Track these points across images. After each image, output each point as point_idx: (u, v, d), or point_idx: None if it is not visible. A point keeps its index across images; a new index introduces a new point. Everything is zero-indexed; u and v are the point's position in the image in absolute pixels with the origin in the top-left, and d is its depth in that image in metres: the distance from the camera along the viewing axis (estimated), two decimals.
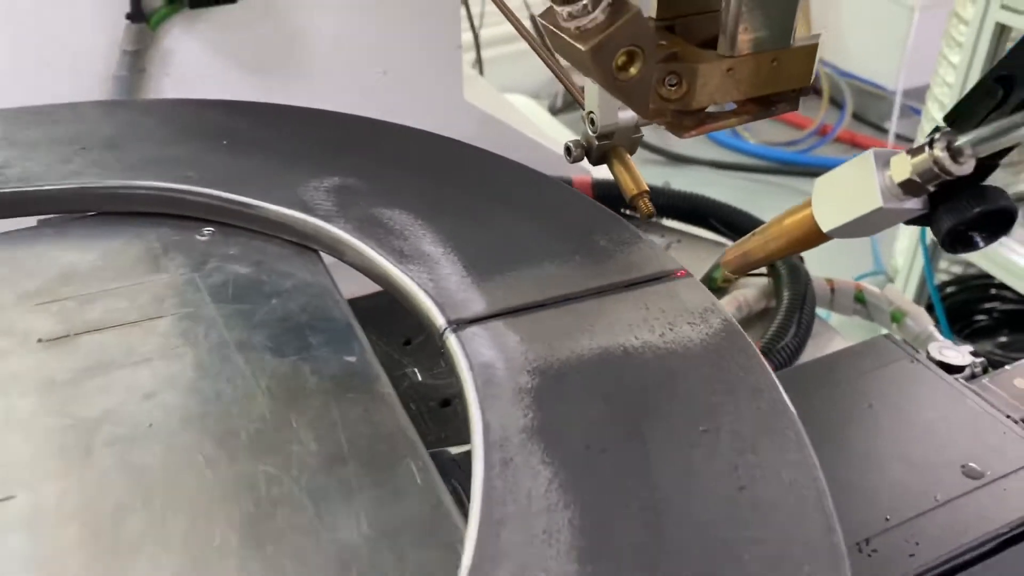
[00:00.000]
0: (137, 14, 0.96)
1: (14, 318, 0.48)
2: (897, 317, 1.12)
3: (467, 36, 1.54)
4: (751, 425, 0.39)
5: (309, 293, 0.50)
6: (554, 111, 3.27)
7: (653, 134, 3.58)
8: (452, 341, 0.44)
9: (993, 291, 2.37)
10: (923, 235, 2.21)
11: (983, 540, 0.63)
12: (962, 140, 0.34)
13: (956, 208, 0.36)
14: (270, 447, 0.40)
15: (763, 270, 1.13)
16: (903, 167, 0.36)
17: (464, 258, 0.49)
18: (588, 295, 0.46)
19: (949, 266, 2.47)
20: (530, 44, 0.60)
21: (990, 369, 0.82)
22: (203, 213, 0.56)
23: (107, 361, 0.45)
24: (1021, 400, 0.77)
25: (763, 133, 3.61)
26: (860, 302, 1.16)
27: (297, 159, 0.59)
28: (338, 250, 0.52)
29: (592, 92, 0.53)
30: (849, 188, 0.38)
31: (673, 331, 0.44)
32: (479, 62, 1.95)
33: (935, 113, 2.22)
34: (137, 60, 0.99)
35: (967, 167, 0.34)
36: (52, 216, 0.57)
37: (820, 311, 1.15)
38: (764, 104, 0.44)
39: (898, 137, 3.11)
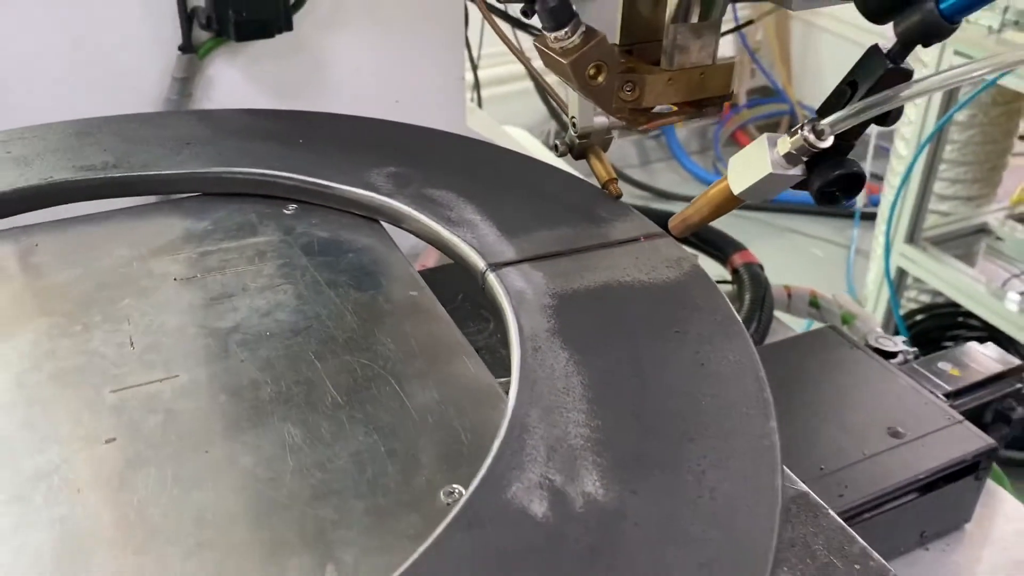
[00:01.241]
0: (187, 46, 1.11)
1: (152, 266, 0.63)
2: (847, 319, 1.28)
3: (468, 75, 1.70)
4: (710, 328, 0.54)
5: (378, 251, 0.65)
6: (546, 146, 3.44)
7: (639, 173, 3.77)
8: (491, 278, 0.59)
9: (959, 319, 2.53)
10: (887, 268, 2.39)
11: (901, 486, 0.78)
12: (822, 123, 0.49)
13: (822, 172, 0.51)
14: (360, 347, 0.55)
15: (727, 277, 1.29)
16: (785, 144, 0.52)
17: (496, 223, 0.64)
18: (592, 248, 0.62)
19: (918, 295, 2.64)
20: (528, 69, 0.76)
21: (920, 357, 0.98)
22: (288, 193, 0.71)
23: (229, 293, 0.60)
24: (942, 379, 0.93)
25: None
26: (814, 306, 1.33)
27: (357, 153, 0.74)
28: (399, 220, 0.67)
29: (573, 102, 0.69)
30: (751, 162, 0.54)
31: (655, 271, 0.59)
32: (478, 97, 2.13)
33: (901, 150, 2.41)
34: (185, 86, 1.14)
35: (827, 143, 0.49)
36: (169, 195, 0.72)
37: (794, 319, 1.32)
38: (697, 106, 0.60)
39: (872, 176, 3.31)
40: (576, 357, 0.51)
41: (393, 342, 0.56)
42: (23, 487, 0.45)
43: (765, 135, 0.54)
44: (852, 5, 0.50)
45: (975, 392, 0.93)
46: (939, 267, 2.27)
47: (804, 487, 0.64)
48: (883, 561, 0.60)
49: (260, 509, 0.44)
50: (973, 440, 0.83)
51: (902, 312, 2.51)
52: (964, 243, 2.44)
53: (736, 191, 0.55)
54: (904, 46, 0.48)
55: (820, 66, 3.82)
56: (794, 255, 3.37)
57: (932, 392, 0.90)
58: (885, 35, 0.54)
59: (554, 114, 3.45)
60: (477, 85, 2.09)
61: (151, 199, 0.72)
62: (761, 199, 0.56)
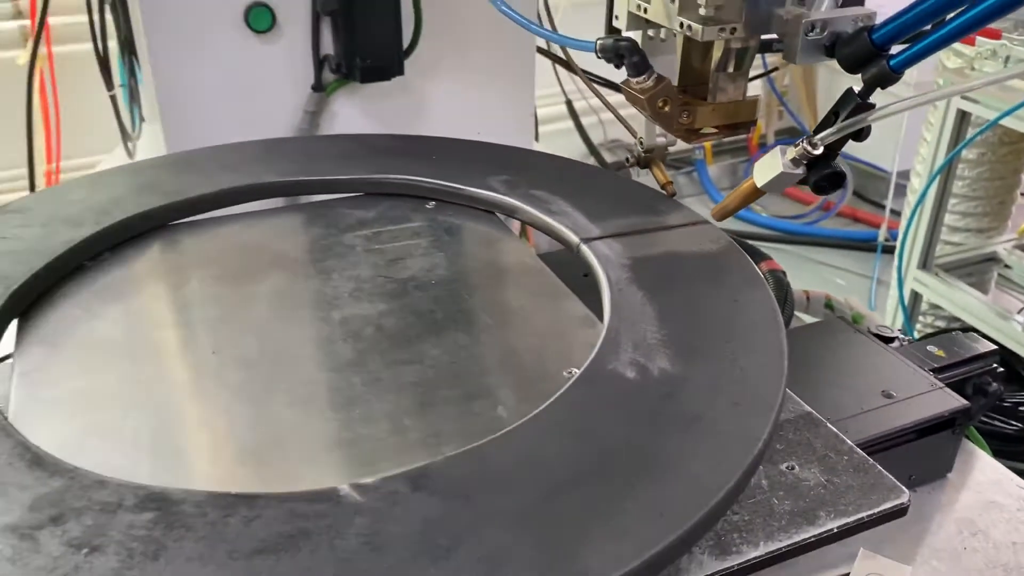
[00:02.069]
0: (318, 86, 1.39)
1: (343, 239, 0.89)
2: (857, 319, 1.52)
3: None
4: (740, 281, 0.79)
5: (497, 232, 0.91)
6: None
7: None
8: (584, 248, 0.84)
9: None
10: (900, 292, 2.61)
11: (890, 433, 1.00)
12: (815, 138, 0.74)
13: (816, 171, 0.76)
14: (495, 290, 0.81)
15: None
16: (791, 152, 0.77)
17: (584, 212, 0.90)
18: (654, 229, 0.87)
19: (933, 320, 2.85)
20: (601, 99, 1.01)
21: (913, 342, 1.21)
22: (428, 193, 0.97)
23: (401, 256, 0.86)
24: (930, 358, 1.15)
25: (773, 207, 4.05)
26: (829, 307, 1.57)
27: (475, 166, 1.00)
28: (512, 211, 0.93)
29: (640, 126, 0.94)
30: (768, 164, 0.78)
31: (700, 246, 0.84)
32: (536, 132, 2.40)
33: (916, 185, 2.64)
34: (315, 119, 1.42)
35: (819, 151, 0.74)
36: (341, 194, 0.98)
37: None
38: (732, 128, 0.85)
39: (892, 212, 3.53)
40: (647, 295, 0.76)
41: (518, 288, 0.81)
42: (293, 367, 0.71)
43: (779, 146, 0.79)
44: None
45: (957, 369, 1.15)
46: (951, 292, 2.48)
47: (808, 408, 0.88)
48: (864, 455, 0.83)
49: (448, 378, 0.69)
50: (951, 401, 1.05)
51: (918, 336, 2.72)
52: (976, 270, 2.65)
53: (759, 184, 0.80)
54: (868, 88, 0.73)
55: None
56: (821, 284, 3.59)
57: (920, 367, 1.12)
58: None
59: (592, 149, 3.74)
60: (536, 122, 2.36)
61: (328, 196, 0.99)
62: (776, 190, 0.81)
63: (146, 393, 0.69)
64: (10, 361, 0.73)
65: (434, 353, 0.72)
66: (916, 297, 2.63)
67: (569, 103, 3.56)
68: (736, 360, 0.68)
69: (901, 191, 3.64)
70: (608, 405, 0.64)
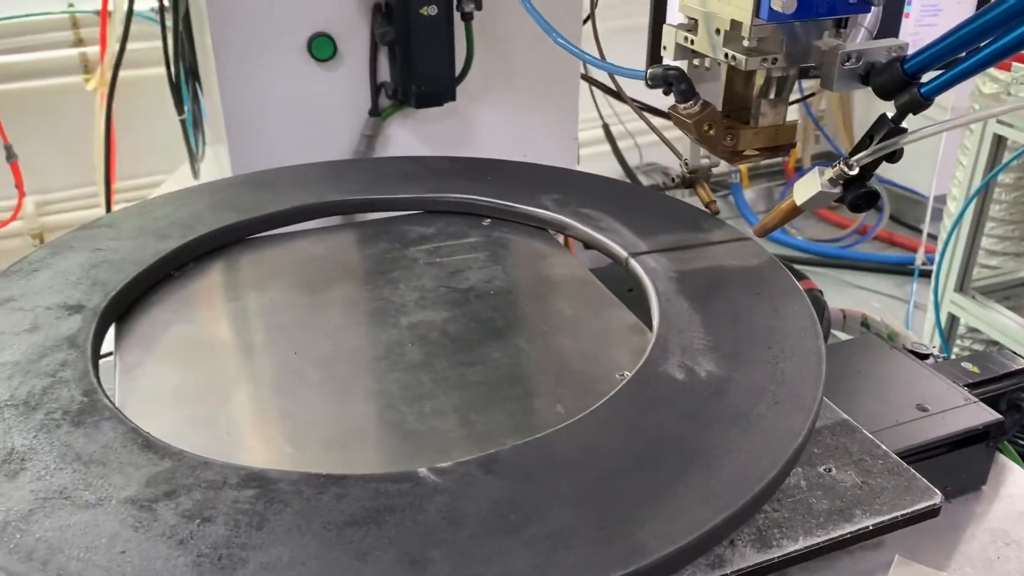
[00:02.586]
0: (375, 111, 1.47)
1: (406, 253, 0.96)
2: (892, 336, 1.55)
3: None
4: (780, 292, 0.84)
5: (550, 248, 0.97)
6: None
7: None
8: (633, 262, 0.90)
9: None
10: (937, 318, 2.62)
11: (924, 445, 1.02)
12: (851, 160, 0.80)
13: (852, 190, 0.81)
14: (549, 300, 0.87)
15: None
16: (828, 173, 0.82)
17: (631, 228, 0.96)
18: (698, 245, 0.93)
19: (971, 343, 2.86)
20: (648, 124, 1.07)
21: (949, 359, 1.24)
22: (484, 211, 1.04)
23: (462, 269, 0.93)
24: (964, 374, 1.19)
25: (810, 231, 4.08)
26: (865, 326, 1.60)
27: (527, 185, 1.07)
28: (564, 228, 0.99)
29: (685, 148, 1.00)
30: (807, 184, 0.84)
31: (743, 260, 0.90)
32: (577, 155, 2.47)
33: (953, 209, 2.67)
34: (371, 142, 1.49)
35: (855, 172, 0.80)
36: (402, 211, 1.05)
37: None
38: (772, 151, 0.91)
39: (929, 236, 3.54)
40: (693, 305, 0.82)
41: (570, 298, 0.87)
42: (367, 367, 0.77)
43: (817, 167, 0.85)
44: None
45: (991, 385, 1.18)
46: (988, 314, 2.50)
47: (845, 415, 0.93)
48: (898, 459, 0.87)
49: (509, 378, 0.76)
50: (984, 415, 1.08)
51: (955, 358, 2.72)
52: (1013, 293, 2.66)
53: (798, 203, 0.86)
54: (900, 114, 0.79)
55: None
56: (857, 307, 3.60)
57: (954, 383, 1.16)
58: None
59: (628, 172, 3.81)
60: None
61: (390, 214, 1.06)
62: (813, 208, 0.86)
63: (236, 387, 0.76)
64: (111, 359, 0.80)
65: (496, 356, 0.78)
66: (953, 320, 2.64)
67: (606, 127, 3.63)
68: (777, 364, 0.74)
69: (938, 215, 3.64)
70: (659, 403, 0.69)
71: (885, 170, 3.47)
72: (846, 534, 0.78)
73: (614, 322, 0.84)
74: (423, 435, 0.69)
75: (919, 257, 3.52)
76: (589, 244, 0.97)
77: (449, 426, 0.70)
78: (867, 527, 0.79)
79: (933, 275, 2.64)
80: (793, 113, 4.17)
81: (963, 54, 0.75)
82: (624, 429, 0.66)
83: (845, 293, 3.75)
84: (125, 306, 0.85)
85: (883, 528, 0.80)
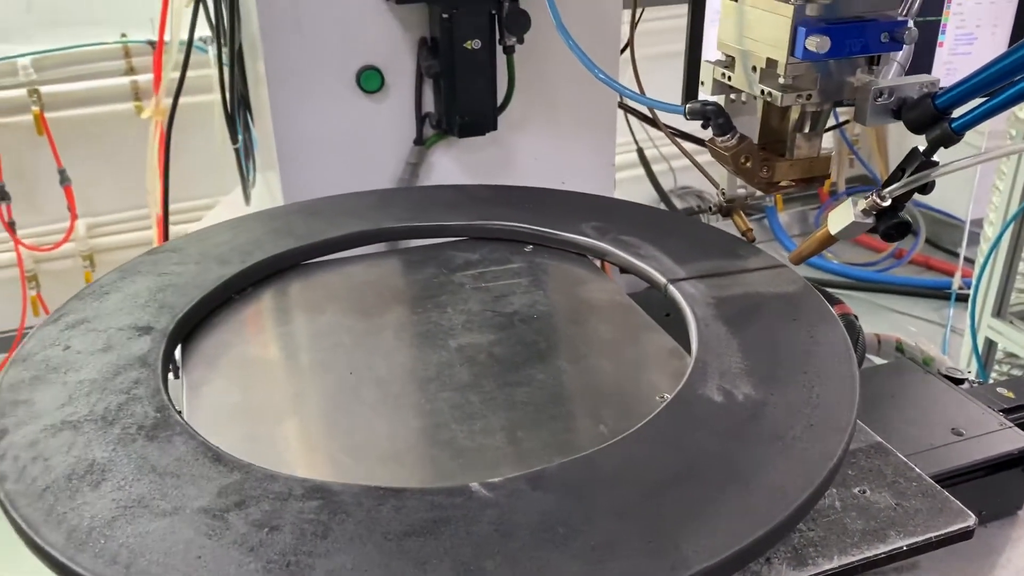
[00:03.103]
0: (419, 140, 1.51)
1: (453, 278, 1.01)
2: (927, 361, 1.56)
3: None
4: (816, 319, 0.87)
5: (590, 274, 1.01)
6: None
7: None
8: (671, 288, 0.94)
9: None
10: (974, 343, 2.61)
11: (959, 469, 1.02)
12: (884, 192, 0.83)
13: (884, 220, 0.84)
14: (591, 324, 0.90)
15: None
16: (862, 203, 0.85)
17: (670, 255, 0.99)
18: (735, 272, 0.96)
19: (1010, 369, 2.84)
20: (684, 153, 1.11)
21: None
22: (526, 238, 1.08)
23: (506, 294, 0.97)
24: (998, 399, 1.20)
25: (846, 255, 4.07)
26: (900, 350, 1.61)
27: (567, 213, 1.11)
28: (603, 255, 1.03)
29: (722, 178, 1.04)
30: (841, 214, 0.87)
31: (778, 287, 0.93)
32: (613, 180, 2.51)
33: (990, 233, 2.66)
34: (415, 169, 1.54)
35: (887, 203, 0.83)
36: (447, 238, 1.10)
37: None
38: (807, 182, 0.94)
39: (966, 260, 3.52)
40: (730, 330, 0.85)
41: (611, 323, 0.91)
42: (420, 386, 0.81)
43: (851, 198, 0.88)
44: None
45: None
46: None
47: (879, 439, 0.95)
48: (932, 482, 0.89)
49: (554, 399, 0.79)
50: (1019, 439, 1.08)
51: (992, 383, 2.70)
52: None
53: (832, 232, 0.89)
54: (932, 147, 0.82)
55: None
56: (893, 331, 3.59)
57: (990, 407, 1.17)
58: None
59: (662, 195, 3.84)
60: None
61: (436, 240, 1.10)
62: (848, 238, 0.90)
63: (295, 405, 0.80)
64: (177, 378, 0.86)
65: (540, 377, 0.82)
66: (991, 345, 2.63)
67: (640, 151, 3.67)
68: (812, 388, 0.77)
69: (975, 239, 3.63)
70: (698, 423, 0.73)
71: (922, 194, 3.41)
72: (880, 554, 0.80)
73: (653, 346, 0.88)
74: (473, 452, 0.73)
75: (956, 281, 3.50)
76: (629, 270, 1.00)
77: (498, 443, 0.73)
78: (901, 547, 0.81)
79: (970, 300, 2.64)
80: (828, 139, 4.18)
81: (993, 90, 0.79)
82: (665, 448, 0.69)
83: (881, 317, 3.74)
84: (190, 327, 0.91)
85: (917, 548, 0.82)
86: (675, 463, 0.68)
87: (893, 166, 0.88)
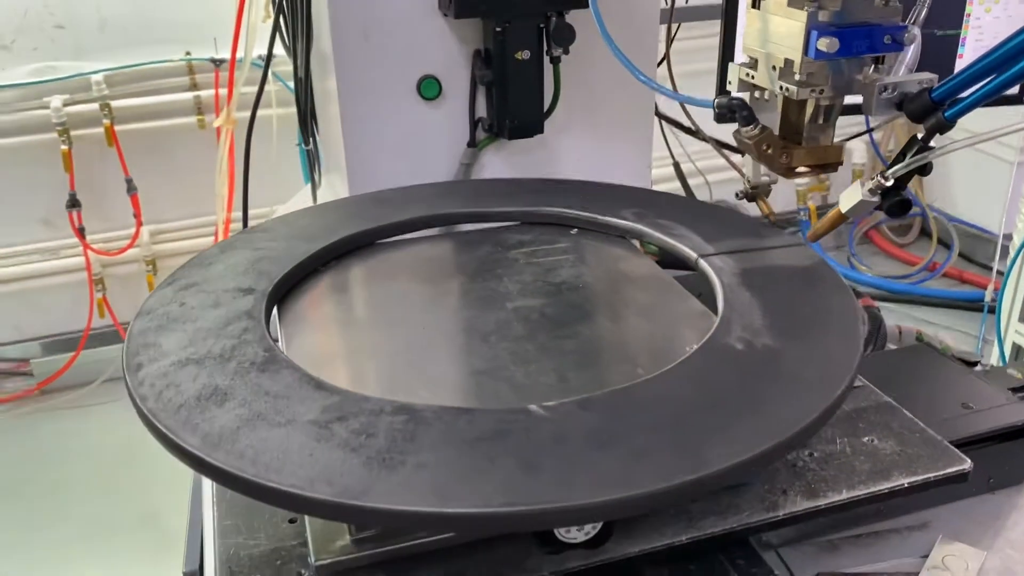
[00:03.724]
0: (472, 142, 1.65)
1: (508, 255, 1.14)
2: (945, 350, 1.67)
3: None
4: (829, 288, 0.99)
5: (629, 253, 1.14)
6: None
7: None
8: (702, 262, 1.06)
9: None
10: (1000, 347, 2.68)
11: (969, 438, 1.09)
12: (887, 172, 0.95)
13: (888, 198, 0.96)
14: (630, 292, 1.03)
15: None
16: (868, 184, 0.97)
17: (701, 235, 1.12)
18: (758, 249, 1.08)
19: None
20: (717, 150, 1.24)
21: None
22: (572, 222, 1.22)
23: (555, 268, 1.10)
24: (1008, 379, 1.30)
25: (879, 267, 4.15)
26: (920, 341, 1.72)
27: (608, 202, 1.24)
28: (641, 236, 1.16)
29: (747, 167, 1.16)
30: (850, 195, 0.99)
31: (797, 261, 1.05)
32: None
33: (1016, 240, 2.74)
34: (468, 170, 1.68)
35: (890, 183, 0.95)
36: (502, 223, 1.24)
37: None
38: (822, 168, 1.06)
39: (999, 273, 3.58)
40: (753, 295, 0.98)
41: (648, 291, 1.04)
42: (482, 338, 0.95)
43: (858, 180, 1.00)
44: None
45: None
46: None
47: (889, 399, 1.07)
48: (934, 434, 1.01)
49: (597, 349, 0.92)
50: None
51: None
52: None
53: (843, 211, 1.02)
54: (929, 134, 0.94)
55: (949, 172, 4.16)
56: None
57: (999, 386, 1.27)
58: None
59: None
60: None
61: (494, 225, 1.24)
62: (856, 215, 1.02)
63: (378, 352, 0.95)
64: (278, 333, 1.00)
65: (586, 333, 0.96)
66: (1019, 350, 2.69)
67: (676, 165, 3.79)
68: (823, 340, 0.89)
69: (1007, 253, 3.69)
70: (722, 366, 0.85)
71: (955, 208, 3.59)
72: (883, 489, 0.92)
73: (685, 309, 1.01)
74: (530, 387, 0.86)
75: (988, 294, 3.56)
76: (664, 248, 1.13)
77: (550, 381, 0.87)
78: (903, 484, 0.93)
79: (997, 305, 2.71)
80: (862, 154, 4.28)
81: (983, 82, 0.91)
82: (693, 383, 0.82)
83: (916, 327, 3.80)
84: (284, 291, 1.05)
85: (916, 487, 0.94)
86: (701, 395, 0.81)
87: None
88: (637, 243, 1.23)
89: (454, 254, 1.17)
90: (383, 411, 0.78)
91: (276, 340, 0.95)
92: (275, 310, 1.02)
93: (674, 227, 1.15)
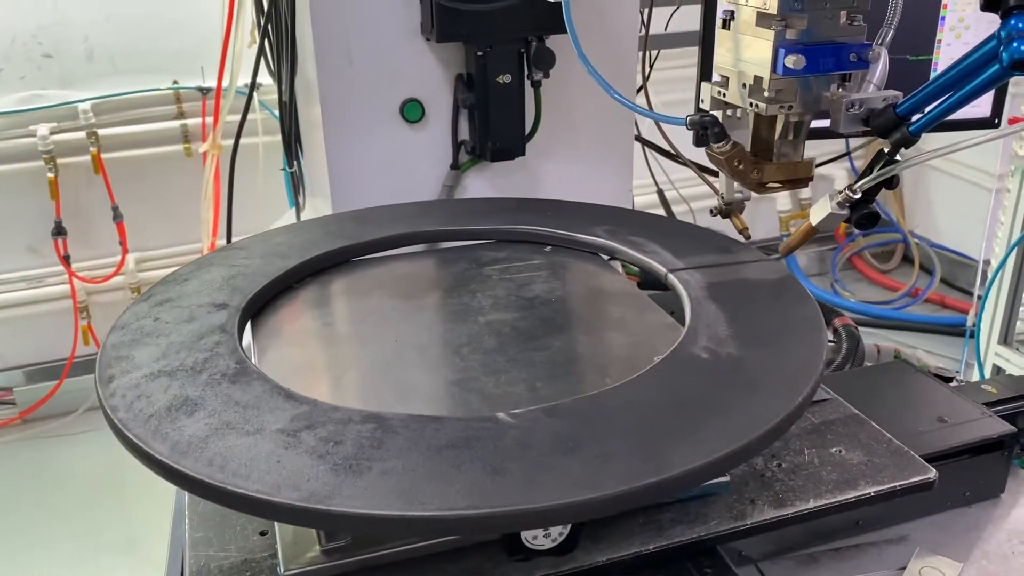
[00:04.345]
0: (455, 165, 1.67)
1: (482, 271, 1.16)
2: (922, 368, 1.68)
3: None
4: (794, 301, 1.01)
5: (600, 268, 1.16)
6: None
7: None
8: (671, 276, 1.08)
9: None
10: (980, 370, 2.71)
11: (944, 451, 1.10)
12: (855, 186, 0.97)
13: (856, 211, 0.98)
14: (602, 306, 1.05)
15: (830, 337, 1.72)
16: (836, 197, 0.99)
17: (671, 251, 1.14)
18: (726, 264, 1.10)
19: None
20: (694, 171, 1.26)
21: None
22: (545, 240, 1.23)
23: (528, 283, 1.12)
24: (983, 394, 1.30)
25: (862, 293, 4.19)
26: (898, 359, 1.73)
27: (582, 220, 1.26)
28: (613, 252, 1.18)
29: (721, 184, 1.19)
30: (820, 207, 1.01)
31: (764, 276, 1.07)
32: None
33: (994, 263, 2.77)
34: (451, 191, 1.70)
35: (858, 196, 0.97)
36: (477, 240, 1.25)
37: None
38: (792, 183, 1.08)
39: (980, 298, 3.62)
40: (720, 307, 0.99)
41: (618, 304, 1.05)
42: (454, 351, 0.96)
43: (828, 193, 1.02)
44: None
45: (1008, 403, 1.29)
46: None
47: (857, 411, 1.08)
48: (900, 444, 1.02)
49: (567, 360, 0.94)
50: (998, 426, 1.19)
51: None
52: None
53: (813, 223, 1.04)
54: (894, 148, 0.97)
55: (930, 199, 4.22)
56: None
57: (974, 400, 1.28)
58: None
59: None
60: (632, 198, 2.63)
61: (468, 242, 1.26)
62: (826, 228, 1.04)
63: (350, 364, 0.95)
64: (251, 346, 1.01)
65: (556, 344, 0.97)
66: (999, 372, 2.72)
67: (660, 192, 3.83)
68: (786, 349, 0.91)
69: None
70: (687, 374, 0.86)
71: (937, 235, 3.63)
72: (850, 498, 0.93)
73: (654, 322, 1.02)
74: (499, 396, 0.87)
75: (970, 319, 3.59)
76: (634, 264, 1.15)
77: (519, 391, 0.88)
78: (869, 493, 0.94)
79: (976, 328, 2.74)
80: (843, 179, 4.33)
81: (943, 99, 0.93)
82: (658, 390, 0.83)
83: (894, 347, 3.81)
84: (258, 307, 1.06)
85: (883, 495, 0.95)
86: (666, 401, 0.82)
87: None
88: (619, 266, 1.25)
89: (428, 271, 1.19)
90: (351, 420, 0.79)
91: (249, 353, 0.96)
92: (249, 325, 1.03)
93: (645, 244, 1.16)
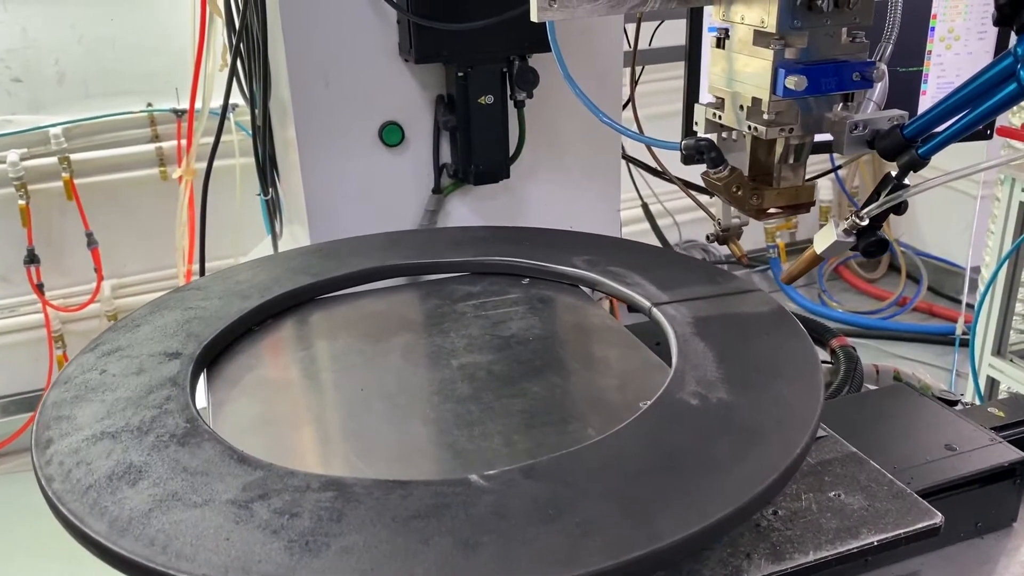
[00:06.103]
0: (437, 189, 1.60)
1: (455, 308, 1.09)
2: (925, 390, 1.62)
3: None
4: (785, 334, 0.95)
5: (581, 302, 1.10)
6: None
7: None
8: (655, 311, 1.02)
9: None
10: (975, 382, 2.66)
11: (953, 481, 1.05)
12: (862, 213, 0.91)
13: (863, 238, 0.92)
14: (582, 344, 0.98)
15: (827, 357, 1.66)
16: (843, 224, 0.93)
17: (655, 284, 1.08)
18: (715, 296, 1.04)
19: None
20: (684, 191, 1.20)
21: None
22: (523, 272, 1.17)
23: (504, 320, 1.05)
24: (990, 418, 1.25)
25: (849, 303, 4.14)
26: (897, 380, 1.67)
27: (562, 249, 1.20)
28: (594, 285, 1.12)
29: (718, 209, 1.13)
30: (825, 235, 0.95)
31: (753, 309, 1.01)
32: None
33: (985, 274, 2.73)
34: (433, 216, 1.62)
35: (865, 223, 0.91)
36: (450, 273, 1.19)
37: None
38: (793, 209, 1.02)
39: (968, 306, 3.58)
40: (707, 344, 0.93)
41: (600, 342, 0.99)
42: (424, 399, 0.89)
43: (832, 220, 0.96)
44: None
45: (1017, 428, 1.24)
46: None
47: (855, 449, 1.01)
48: (903, 486, 0.96)
49: (546, 408, 0.87)
50: (1009, 453, 1.12)
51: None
52: None
53: (818, 252, 0.98)
54: (902, 172, 0.91)
55: (915, 207, 4.18)
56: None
57: (981, 426, 1.22)
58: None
59: (664, 243, 3.94)
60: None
61: (441, 276, 1.19)
62: (831, 256, 0.98)
63: (311, 417, 0.89)
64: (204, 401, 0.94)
65: (535, 390, 0.90)
66: (993, 384, 2.67)
67: (645, 206, 3.78)
68: (780, 391, 0.84)
69: (976, 286, 3.69)
70: (676, 423, 0.80)
71: (923, 243, 3.59)
72: (852, 549, 0.87)
73: (639, 361, 0.96)
74: (473, 452, 0.80)
75: (959, 327, 3.55)
76: (617, 297, 1.09)
77: (495, 446, 0.81)
78: (872, 543, 0.87)
79: (970, 340, 2.69)
80: (828, 191, 4.30)
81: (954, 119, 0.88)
82: (645, 443, 0.77)
83: (887, 363, 3.77)
84: (215, 354, 0.99)
85: (887, 544, 0.89)
86: (654, 456, 0.75)
87: (892, 218, 0.97)
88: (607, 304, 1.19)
89: (398, 308, 1.12)
90: (309, 487, 0.72)
91: (203, 408, 0.89)
92: (204, 374, 0.96)
93: (627, 275, 1.10)
